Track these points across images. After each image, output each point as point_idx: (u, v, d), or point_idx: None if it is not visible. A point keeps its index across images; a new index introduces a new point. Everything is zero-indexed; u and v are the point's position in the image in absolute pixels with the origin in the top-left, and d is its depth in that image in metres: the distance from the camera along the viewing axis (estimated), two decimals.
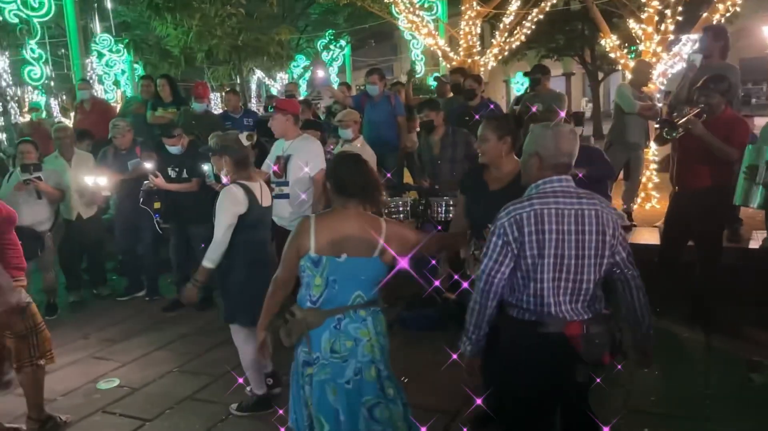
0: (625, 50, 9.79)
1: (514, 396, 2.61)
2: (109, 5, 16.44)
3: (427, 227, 5.09)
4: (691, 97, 4.87)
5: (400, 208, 5.39)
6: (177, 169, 5.77)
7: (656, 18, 7.69)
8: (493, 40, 10.36)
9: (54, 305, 6.02)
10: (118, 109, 9.80)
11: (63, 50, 19.01)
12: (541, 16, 9.61)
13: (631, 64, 7.80)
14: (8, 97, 22.26)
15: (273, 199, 4.18)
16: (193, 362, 4.78)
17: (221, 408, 3.99)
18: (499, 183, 3.26)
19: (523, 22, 9.76)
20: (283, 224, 4.78)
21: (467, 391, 3.69)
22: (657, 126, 6.36)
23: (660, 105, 6.97)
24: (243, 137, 4.05)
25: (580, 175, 3.46)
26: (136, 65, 15.76)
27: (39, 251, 5.22)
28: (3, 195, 5.41)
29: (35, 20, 10.74)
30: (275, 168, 4.85)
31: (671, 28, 7.45)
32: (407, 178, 7.84)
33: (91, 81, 13.28)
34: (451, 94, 7.58)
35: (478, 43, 10.10)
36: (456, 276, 3.73)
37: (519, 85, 18.14)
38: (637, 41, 8.30)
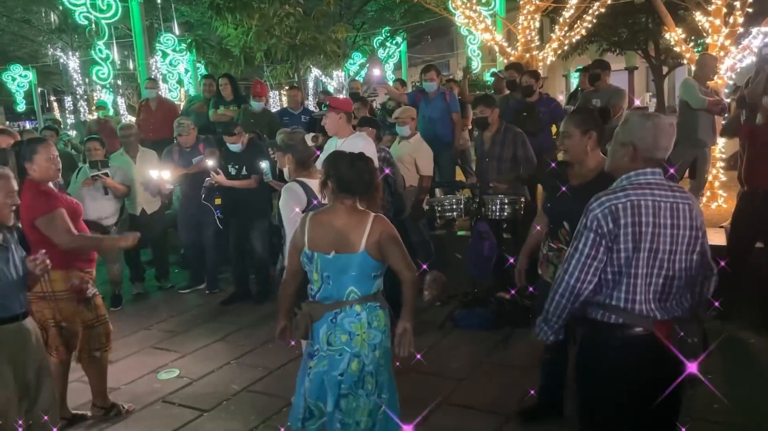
0: (691, 44, 9.43)
1: (600, 401, 2.49)
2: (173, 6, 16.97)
3: (481, 226, 5.04)
4: None
5: (454, 206, 5.36)
6: (237, 166, 5.90)
7: (724, 10, 7.37)
8: (552, 35, 10.14)
9: (119, 297, 6.26)
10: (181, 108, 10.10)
11: (129, 50, 19.72)
12: (602, 9, 9.34)
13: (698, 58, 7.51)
14: (78, 96, 23.27)
15: None
16: (250, 354, 4.88)
17: (276, 401, 4.06)
18: (582, 179, 3.13)
19: (584, 15, 9.51)
20: None
21: (520, 393, 3.68)
22: (725, 118, 6.13)
23: (728, 100, 6.69)
24: (308, 138, 4.14)
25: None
26: (198, 64, 16.17)
27: None
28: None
29: (103, 21, 11.18)
30: None
31: (740, 20, 7.13)
32: (459, 175, 7.80)
33: (156, 80, 13.74)
34: (508, 91, 7.47)
35: (537, 37, 9.90)
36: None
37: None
38: (704, 34, 7.97)
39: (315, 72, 19.52)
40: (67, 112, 25.36)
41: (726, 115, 6.35)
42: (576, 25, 9.72)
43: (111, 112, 12.85)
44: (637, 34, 19.49)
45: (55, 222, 3.59)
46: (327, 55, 11.79)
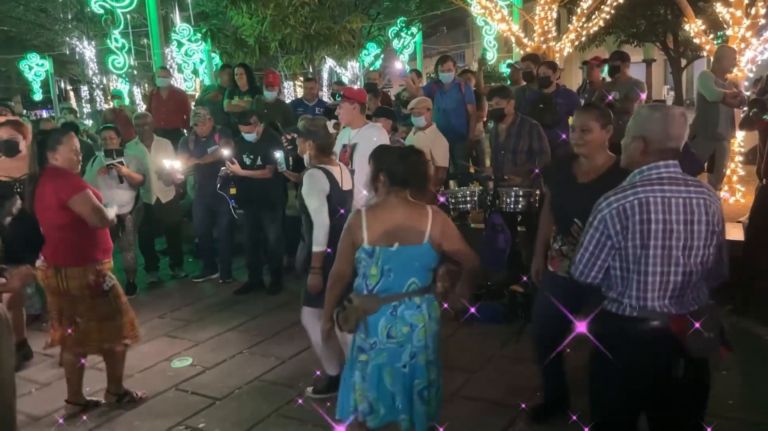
0: (711, 36, 9.29)
1: (613, 395, 2.47)
2: None
3: (495, 218, 5.01)
4: None
5: (468, 198, 5.33)
6: (252, 156, 5.91)
7: (746, 1, 7.25)
8: (569, 26, 10.04)
9: (133, 285, 6.31)
10: (196, 97, 10.12)
11: (145, 40, 19.79)
12: (621, 0, 9.23)
13: None
14: (94, 85, 23.41)
15: None
16: (263, 344, 4.89)
17: (288, 391, 4.07)
18: (590, 176, 3.08)
19: (602, 6, 9.40)
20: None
21: (533, 387, 3.66)
22: (744, 111, 6.04)
23: (747, 93, 6.59)
24: (330, 125, 4.14)
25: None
26: (213, 54, 16.20)
27: (120, 232, 5.46)
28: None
29: (119, 11, 11.21)
30: (342, 156, 4.88)
31: (762, 11, 7.00)
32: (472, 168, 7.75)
33: (170, 70, 13.76)
34: (524, 82, 7.40)
35: (554, 28, 9.81)
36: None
37: None
38: (724, 26, 7.85)
39: (329, 63, 19.50)
40: (83, 101, 25.55)
41: (745, 108, 6.25)
42: (594, 16, 9.61)
43: (126, 102, 12.91)
44: (655, 25, 19.29)
45: (91, 200, 3.63)
46: (342, 45, 11.80)
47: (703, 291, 2.40)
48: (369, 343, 2.81)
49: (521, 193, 5.02)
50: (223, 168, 5.83)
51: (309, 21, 10.79)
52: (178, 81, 16.87)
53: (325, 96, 14.60)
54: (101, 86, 21.56)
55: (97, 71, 21.86)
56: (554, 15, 9.71)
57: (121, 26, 11.55)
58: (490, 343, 4.60)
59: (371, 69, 20.52)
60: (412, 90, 7.45)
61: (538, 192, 5.07)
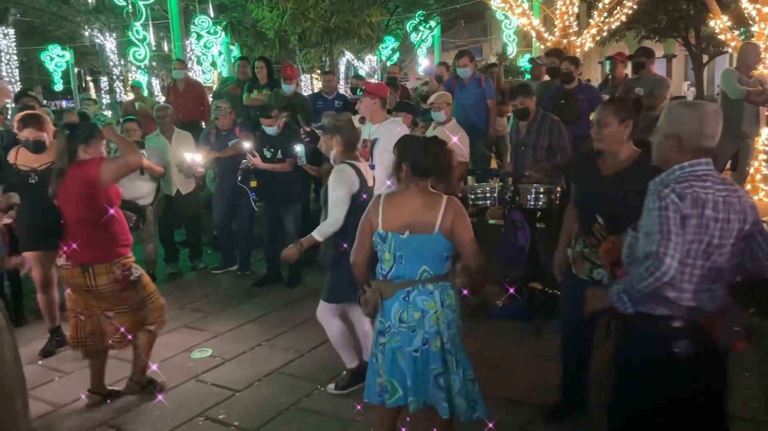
0: (736, 32, 9.15)
1: (638, 395, 2.46)
2: None
3: (515, 215, 4.99)
4: None
5: (487, 194, 5.30)
6: (272, 150, 5.93)
7: None
8: (590, 20, 9.94)
9: (153, 276, 6.34)
10: (214, 90, 10.15)
11: (164, 32, 19.88)
12: None
13: None
14: (114, 76, 23.58)
15: None
16: (282, 337, 4.92)
17: (307, 383, 4.09)
18: (613, 170, 3.06)
19: (624, 1, 9.30)
20: None
21: (552, 385, 3.64)
22: None
23: None
24: (355, 119, 4.12)
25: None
26: (232, 47, 16.25)
27: (140, 224, 5.51)
28: None
29: (140, 2, 11.27)
30: (363, 151, 4.88)
31: None
32: (493, 163, 7.71)
33: (189, 62, 13.83)
34: (546, 77, 7.34)
35: (575, 23, 9.72)
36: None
37: None
38: (750, 22, 7.73)
39: (347, 56, 19.48)
40: (102, 91, 25.78)
41: None
42: (616, 11, 9.51)
43: (146, 92, 12.99)
44: (677, 21, 19.00)
45: (114, 160, 3.76)
46: (361, 38, 11.77)
47: (727, 288, 2.38)
48: (385, 326, 2.90)
49: (542, 190, 4.99)
50: (244, 161, 5.85)
51: (329, 14, 10.79)
52: (197, 73, 16.94)
53: (342, 89, 14.61)
54: (121, 77, 21.71)
55: (117, 62, 22.03)
56: (575, 10, 9.63)
57: (143, 18, 11.62)
58: (508, 340, 4.59)
59: (389, 63, 20.48)
60: (434, 88, 7.41)
61: (558, 189, 5.04)
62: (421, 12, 20.79)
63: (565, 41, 9.46)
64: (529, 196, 5.02)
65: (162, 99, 13.66)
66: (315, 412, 3.77)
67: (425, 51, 22.87)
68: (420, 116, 6.58)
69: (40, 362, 4.61)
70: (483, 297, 4.96)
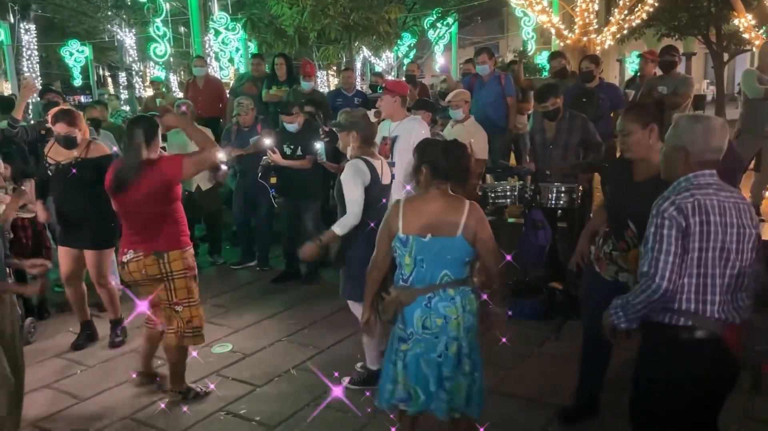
0: (761, 30, 9.04)
1: (659, 404, 2.45)
2: None
3: (535, 214, 4.97)
4: None
5: (507, 193, 5.28)
6: (292, 146, 5.95)
7: None
8: (611, 18, 9.86)
9: None
10: (230, 86, 10.18)
11: (182, 28, 20.00)
12: None
13: None
14: (133, 72, 23.75)
15: None
16: (301, 333, 4.94)
17: (328, 380, 4.09)
18: (646, 174, 3.01)
19: None
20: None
21: (571, 385, 3.63)
22: None
23: None
24: (371, 114, 4.11)
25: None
26: (249, 43, 16.29)
27: None
28: None
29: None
30: (383, 149, 4.88)
31: None
32: (512, 161, 7.67)
33: (207, 58, 13.86)
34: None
35: (595, 20, 9.64)
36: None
37: (636, 65, 17.21)
38: None
39: (364, 53, 19.48)
40: (120, 87, 25.97)
41: None
42: (637, 9, 9.43)
43: (164, 89, 13.05)
44: (697, 18, 18.76)
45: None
46: (380, 35, 11.76)
47: (750, 295, 2.38)
48: (407, 333, 2.87)
49: (563, 189, 4.96)
50: (264, 157, 5.88)
51: (348, 11, 10.80)
52: (215, 69, 17.01)
53: (359, 86, 14.62)
54: (140, 73, 21.86)
55: (136, 58, 22.18)
56: (596, 7, 9.56)
57: (163, 14, 11.69)
58: (528, 340, 4.57)
59: (405, 60, 20.45)
60: (452, 86, 7.40)
61: (580, 188, 5.01)
62: (438, 9, 20.72)
63: (585, 39, 9.40)
64: (550, 195, 5.00)
65: (180, 95, 13.73)
66: (335, 409, 3.78)
67: (442, 48, 22.80)
68: (439, 114, 6.56)
69: (65, 355, 4.67)
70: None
